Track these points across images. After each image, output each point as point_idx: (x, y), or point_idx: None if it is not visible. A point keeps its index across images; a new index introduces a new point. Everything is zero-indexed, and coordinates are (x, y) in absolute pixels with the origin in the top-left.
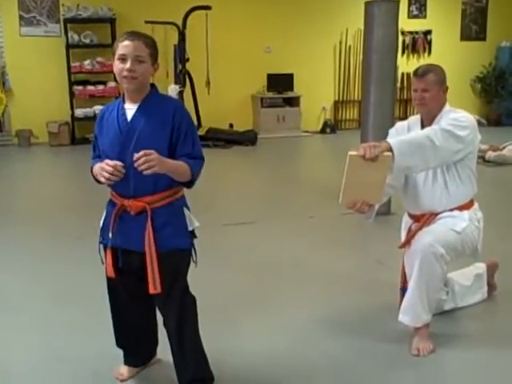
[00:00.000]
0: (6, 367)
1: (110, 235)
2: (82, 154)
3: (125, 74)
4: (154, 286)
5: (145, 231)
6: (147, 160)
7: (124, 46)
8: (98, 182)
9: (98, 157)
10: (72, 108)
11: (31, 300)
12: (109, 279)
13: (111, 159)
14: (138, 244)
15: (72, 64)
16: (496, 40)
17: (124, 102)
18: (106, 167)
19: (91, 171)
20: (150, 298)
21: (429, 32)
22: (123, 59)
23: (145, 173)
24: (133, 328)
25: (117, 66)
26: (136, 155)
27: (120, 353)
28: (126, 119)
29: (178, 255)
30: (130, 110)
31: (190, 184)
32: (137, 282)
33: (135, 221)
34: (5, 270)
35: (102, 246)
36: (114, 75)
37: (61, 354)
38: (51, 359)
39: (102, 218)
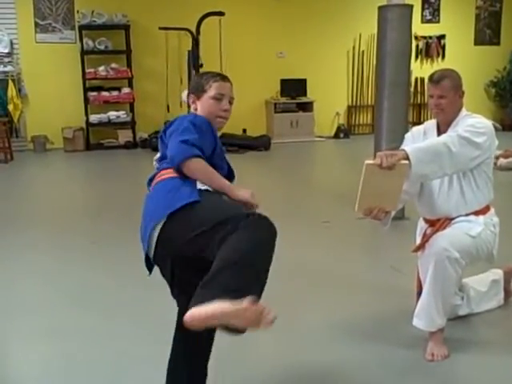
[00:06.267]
0: (22, 370)
1: None
2: (97, 160)
3: (222, 114)
4: None
5: None
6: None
7: (221, 87)
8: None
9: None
10: (87, 114)
11: (48, 304)
12: None
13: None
14: None
15: (87, 70)
16: (510, 44)
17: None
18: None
19: (192, 155)
20: None
21: (442, 36)
22: (220, 99)
23: None
24: None
25: (210, 104)
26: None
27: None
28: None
29: None
30: None
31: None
32: None
33: None
34: (21, 274)
35: None
36: (129, 81)
37: (76, 357)
38: (66, 363)
39: None
